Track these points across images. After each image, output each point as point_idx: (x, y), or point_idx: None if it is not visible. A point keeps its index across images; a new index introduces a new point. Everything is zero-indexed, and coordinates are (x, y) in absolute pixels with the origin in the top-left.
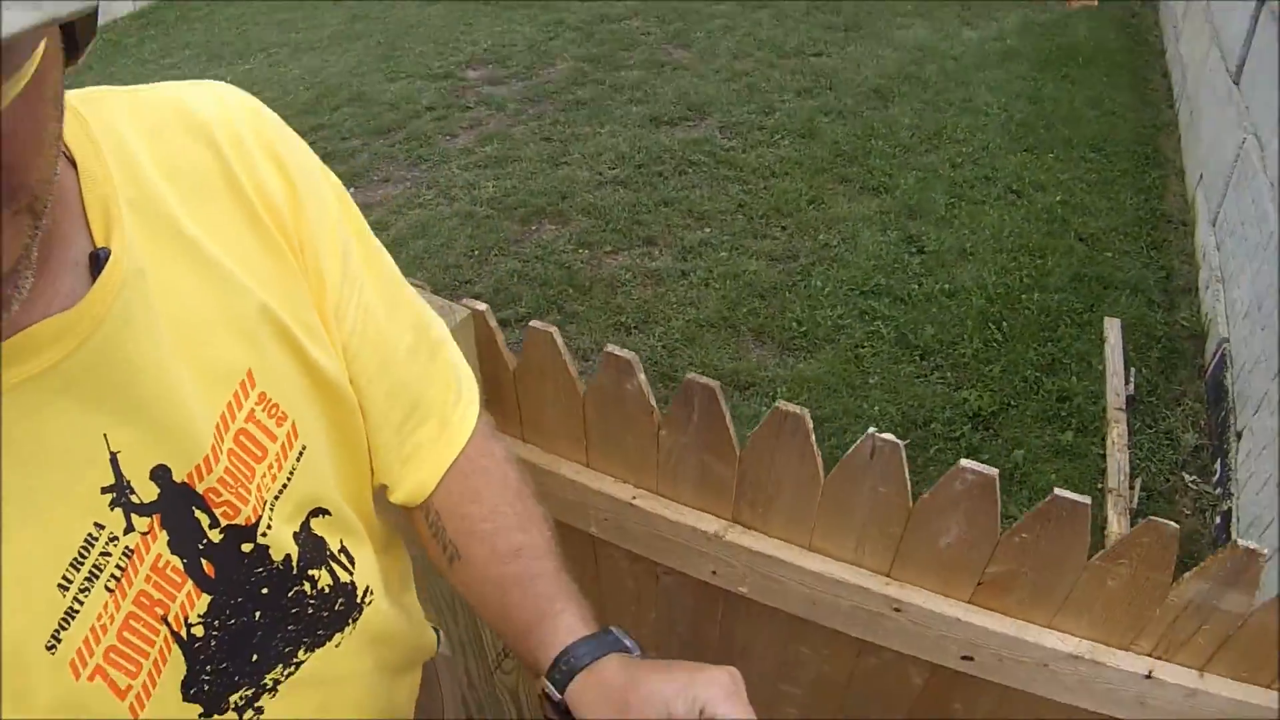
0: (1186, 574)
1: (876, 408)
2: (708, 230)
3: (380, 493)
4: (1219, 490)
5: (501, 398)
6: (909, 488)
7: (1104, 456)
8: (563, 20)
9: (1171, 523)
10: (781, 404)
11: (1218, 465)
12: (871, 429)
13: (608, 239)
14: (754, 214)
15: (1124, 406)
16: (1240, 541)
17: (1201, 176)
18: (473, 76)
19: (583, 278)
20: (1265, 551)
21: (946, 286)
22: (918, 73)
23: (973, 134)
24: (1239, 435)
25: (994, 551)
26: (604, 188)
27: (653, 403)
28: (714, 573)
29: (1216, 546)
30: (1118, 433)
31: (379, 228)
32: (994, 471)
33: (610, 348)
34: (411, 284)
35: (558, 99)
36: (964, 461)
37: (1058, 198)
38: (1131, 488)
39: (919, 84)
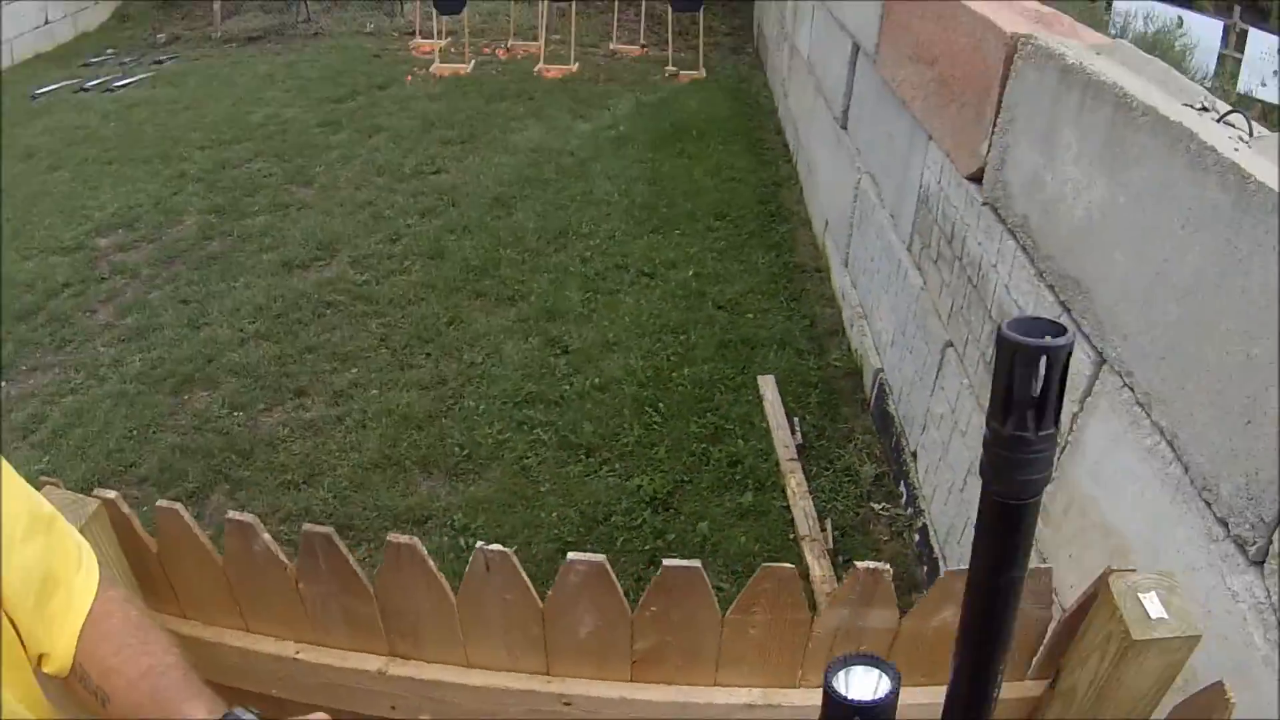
0: (822, 605)
1: (554, 513)
2: (355, 370)
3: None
4: (909, 510)
5: (152, 579)
6: (533, 589)
7: (788, 508)
8: (185, 173)
9: (787, 564)
10: (392, 537)
11: (902, 487)
12: (479, 543)
13: (259, 397)
14: (397, 346)
15: (795, 456)
16: (861, 565)
17: (827, 223)
18: (104, 244)
19: (242, 441)
20: (887, 569)
21: (597, 381)
22: (537, 174)
23: (597, 225)
24: (914, 455)
25: (632, 629)
26: (247, 344)
27: (283, 558)
28: (393, 708)
29: (922, 562)
30: (795, 482)
31: (36, 420)
32: (600, 558)
33: (230, 514)
34: (47, 482)
35: (190, 257)
36: (571, 555)
37: (690, 272)
38: (824, 529)
39: (539, 185)
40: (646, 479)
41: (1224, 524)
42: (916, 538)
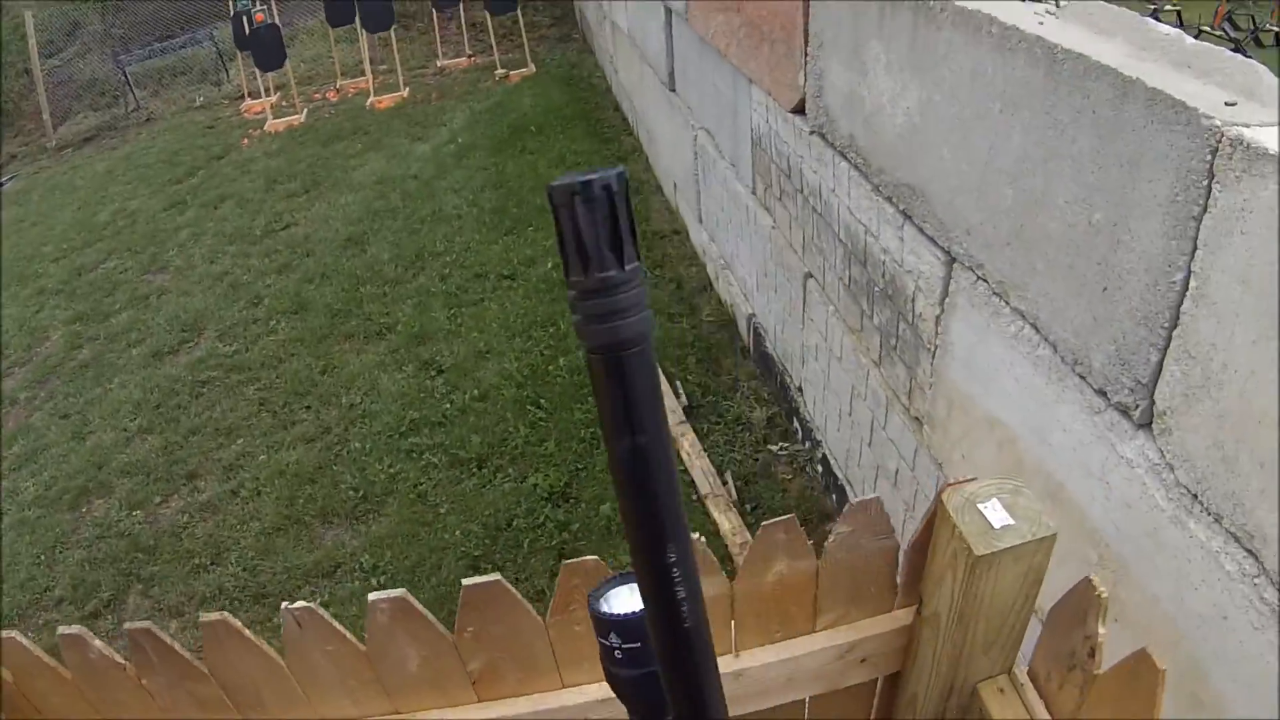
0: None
1: (457, 531)
2: (240, 441)
3: None
4: (807, 444)
5: (16, 708)
6: (348, 635)
7: (685, 470)
8: (43, 288)
9: (590, 558)
10: (205, 616)
11: (795, 423)
12: (284, 604)
13: (154, 490)
14: (276, 407)
15: (684, 419)
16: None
17: (675, 185)
18: None
19: (146, 539)
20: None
21: (475, 393)
22: (384, 206)
23: (451, 241)
24: (800, 389)
25: (459, 653)
26: (133, 442)
27: (120, 660)
28: None
29: (830, 491)
30: (688, 443)
31: None
32: (400, 592)
33: (60, 629)
34: None
35: (62, 370)
36: (372, 596)
37: (549, 265)
38: (725, 483)
39: (388, 215)
40: (541, 476)
41: (1103, 394)
42: (820, 469)
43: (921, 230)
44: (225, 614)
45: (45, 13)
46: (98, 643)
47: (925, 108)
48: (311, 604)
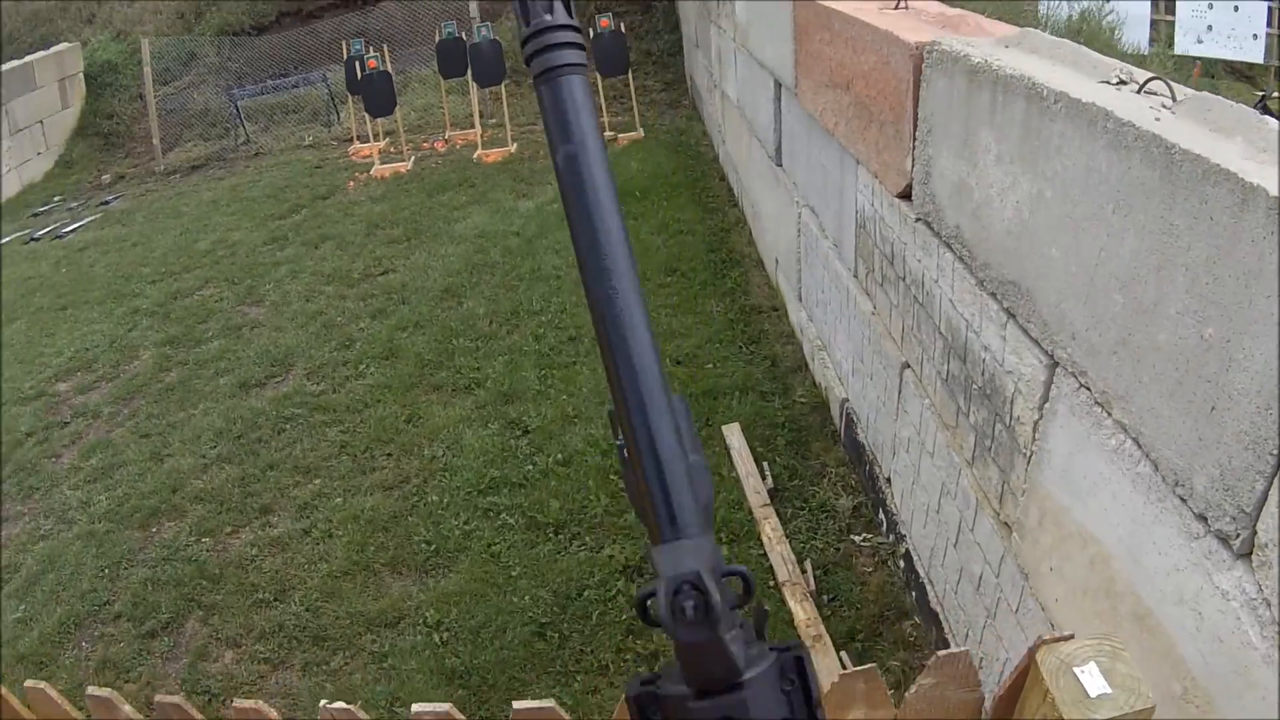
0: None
1: (527, 596)
2: (318, 482)
3: None
4: (890, 537)
5: None
6: None
7: (765, 555)
8: (138, 308)
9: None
10: (158, 697)
11: (880, 515)
12: (322, 701)
13: (226, 520)
14: (357, 451)
15: (768, 501)
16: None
17: (777, 261)
18: (63, 389)
19: (212, 567)
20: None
21: (560, 457)
22: (483, 260)
23: (548, 301)
24: (889, 481)
25: None
26: (210, 469)
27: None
28: None
29: (910, 588)
30: (770, 528)
31: (10, 571)
32: (445, 707)
33: (90, 690)
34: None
35: (148, 391)
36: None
37: None
38: (804, 571)
39: (487, 270)
40: (617, 548)
41: (1203, 519)
42: (901, 564)
43: (1025, 330)
44: (179, 700)
45: (162, 42)
46: (127, 707)
47: (1035, 203)
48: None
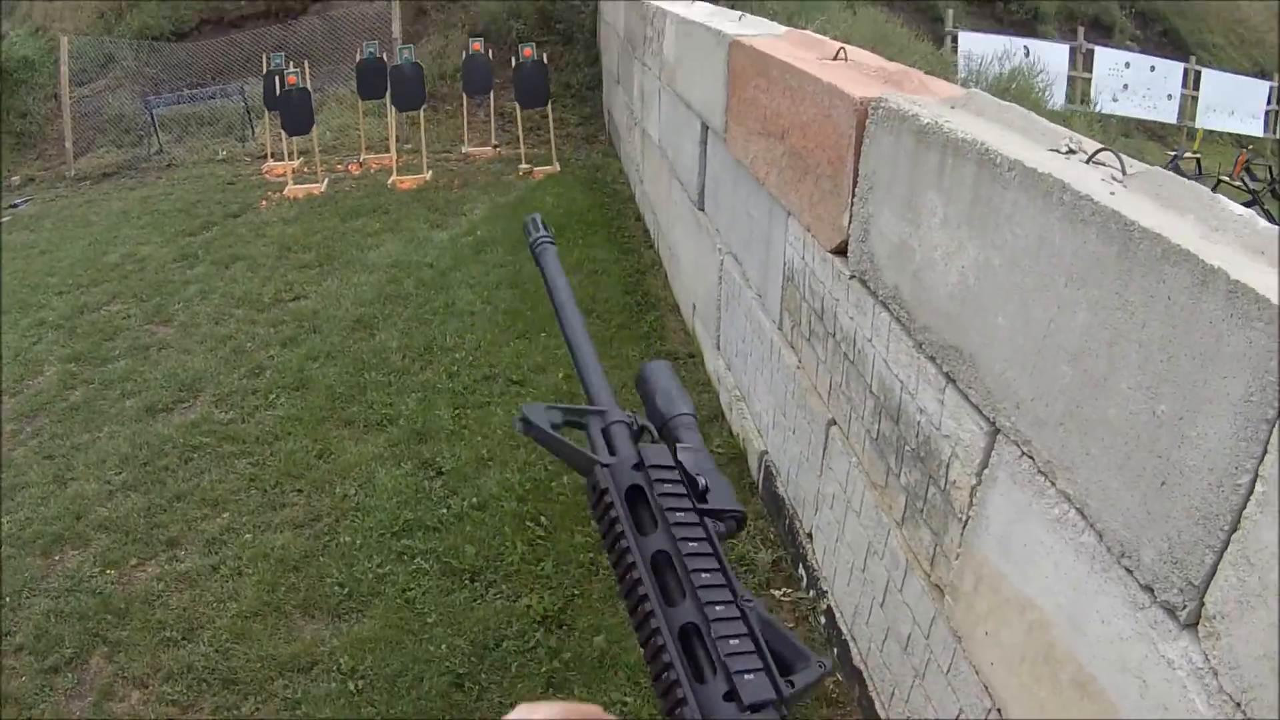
0: None
1: (444, 645)
2: (226, 515)
3: None
4: (811, 593)
5: None
6: None
7: None
8: (44, 320)
9: None
10: None
11: (800, 570)
12: None
13: (131, 551)
14: (267, 485)
15: None
16: None
17: (695, 307)
18: None
19: (117, 600)
20: None
21: (475, 500)
22: (397, 290)
23: (462, 337)
24: (810, 536)
25: None
26: (115, 496)
27: None
28: None
29: (831, 644)
30: None
31: None
32: None
33: None
34: None
35: (52, 409)
36: None
37: (559, 374)
38: None
39: (400, 302)
40: (536, 598)
41: (1149, 590)
42: (822, 619)
43: (965, 396)
44: None
45: (81, 41)
46: None
47: (982, 270)
48: None
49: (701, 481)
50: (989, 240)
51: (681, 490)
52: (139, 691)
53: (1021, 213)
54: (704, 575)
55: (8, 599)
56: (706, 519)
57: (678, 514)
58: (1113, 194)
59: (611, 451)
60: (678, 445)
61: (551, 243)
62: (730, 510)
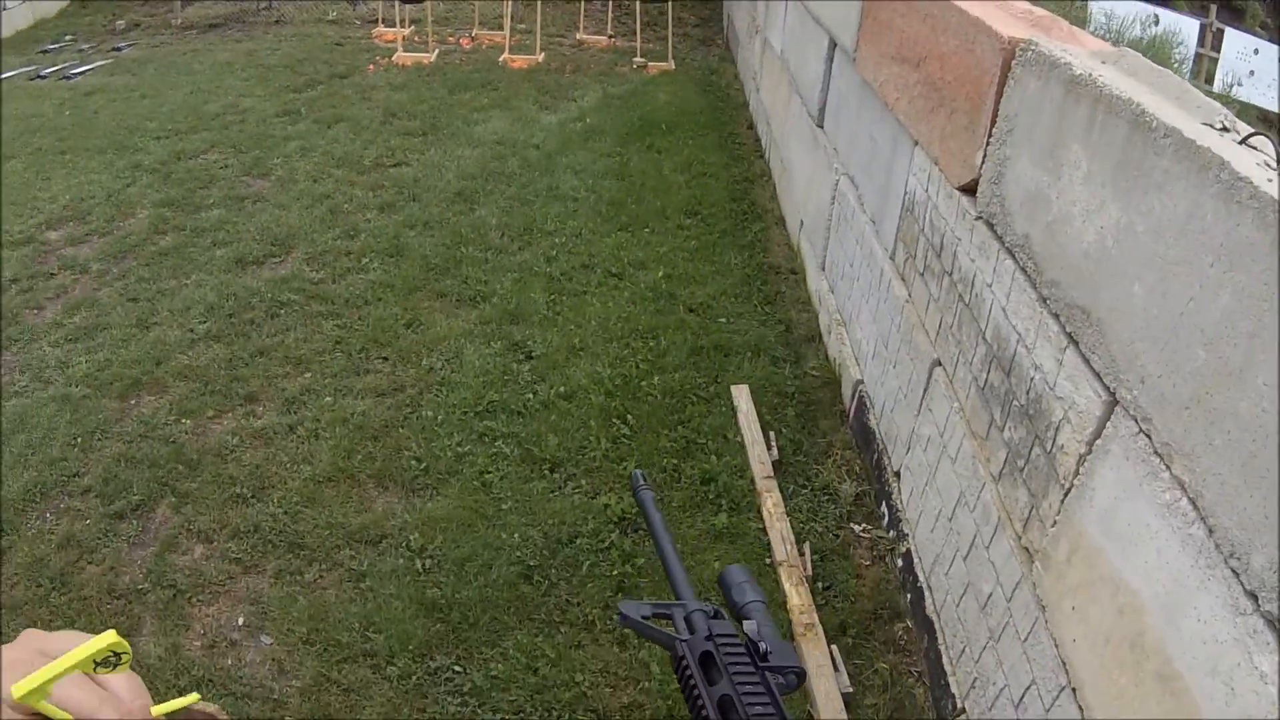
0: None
1: (516, 534)
2: (308, 375)
3: None
4: (891, 533)
5: None
6: None
7: (765, 530)
8: (139, 164)
9: None
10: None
11: (884, 508)
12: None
13: (209, 403)
14: (352, 349)
15: (772, 474)
16: None
17: (802, 223)
18: (53, 238)
19: (190, 451)
20: None
21: (562, 390)
22: (500, 168)
23: (563, 222)
24: (897, 475)
25: None
26: (197, 345)
27: None
28: None
29: (905, 589)
30: (772, 502)
31: None
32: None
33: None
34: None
35: (141, 252)
36: None
37: (660, 273)
38: (802, 554)
39: (502, 180)
40: (614, 497)
41: (1253, 597)
42: (900, 563)
43: (1087, 361)
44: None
45: None
46: None
47: (1123, 233)
48: None
49: (763, 646)
50: (1134, 205)
51: (743, 652)
52: (203, 546)
53: (1173, 183)
54: (756, 707)
55: (79, 439)
56: (766, 673)
57: (739, 669)
58: (1270, 180)
59: (690, 631)
60: (745, 621)
61: (650, 490)
62: (789, 666)
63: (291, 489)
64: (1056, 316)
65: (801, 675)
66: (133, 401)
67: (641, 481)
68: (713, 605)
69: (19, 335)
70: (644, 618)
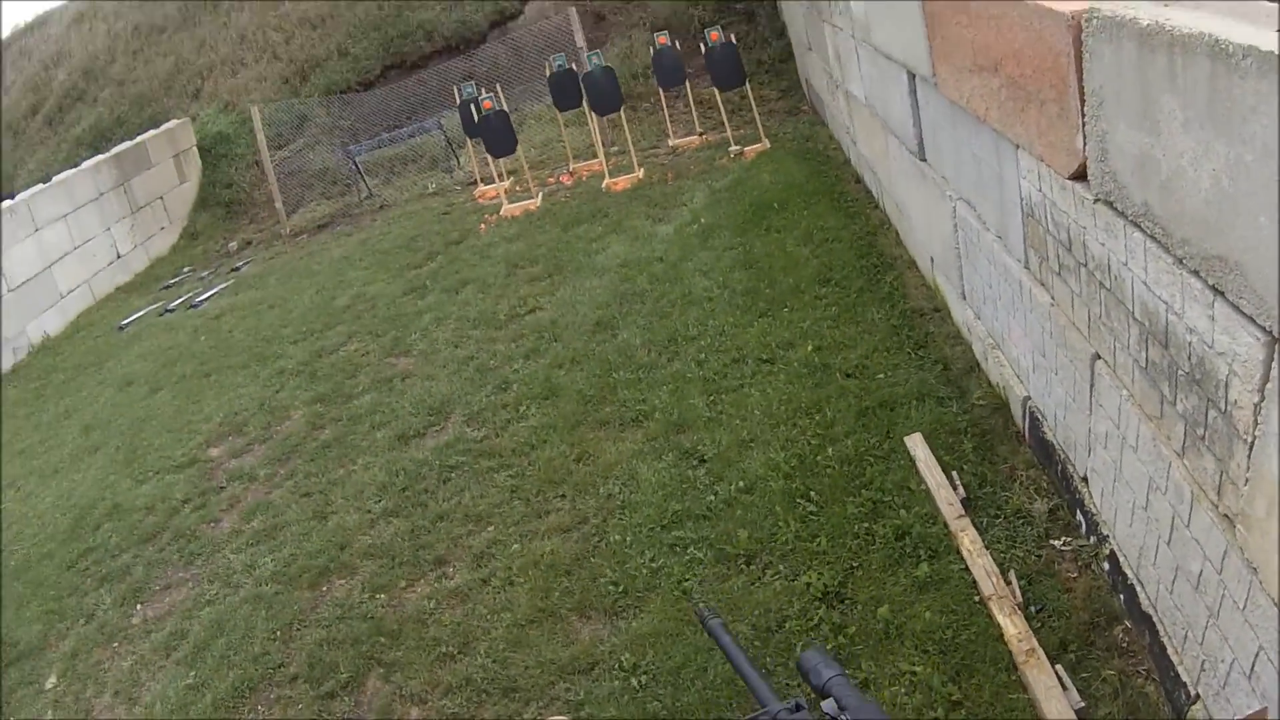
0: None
1: None
2: (491, 529)
3: None
4: (1092, 539)
5: None
6: None
7: (967, 569)
8: (283, 369)
9: None
10: None
11: (1079, 516)
12: None
13: (399, 574)
14: (529, 495)
15: (963, 512)
16: None
17: (933, 260)
18: (216, 454)
19: (390, 623)
20: None
21: (741, 484)
22: (631, 289)
23: (704, 324)
24: (1085, 480)
25: None
26: (377, 524)
27: None
28: None
29: (1117, 591)
30: (969, 539)
31: (177, 638)
32: None
33: None
34: None
35: (304, 449)
36: None
37: (810, 348)
38: (1009, 583)
39: (636, 299)
40: (814, 574)
41: None
42: (1106, 566)
43: (1236, 307)
44: None
45: (272, 107)
46: None
47: (1235, 169)
48: None
49: (844, 719)
50: (1236, 136)
51: None
52: (418, 708)
53: (1265, 102)
54: None
55: (279, 632)
56: None
57: None
58: None
59: None
60: (823, 701)
61: (719, 618)
62: None
63: (496, 637)
64: (1196, 273)
65: None
66: (324, 589)
67: (708, 613)
68: (794, 699)
69: (200, 550)
70: None
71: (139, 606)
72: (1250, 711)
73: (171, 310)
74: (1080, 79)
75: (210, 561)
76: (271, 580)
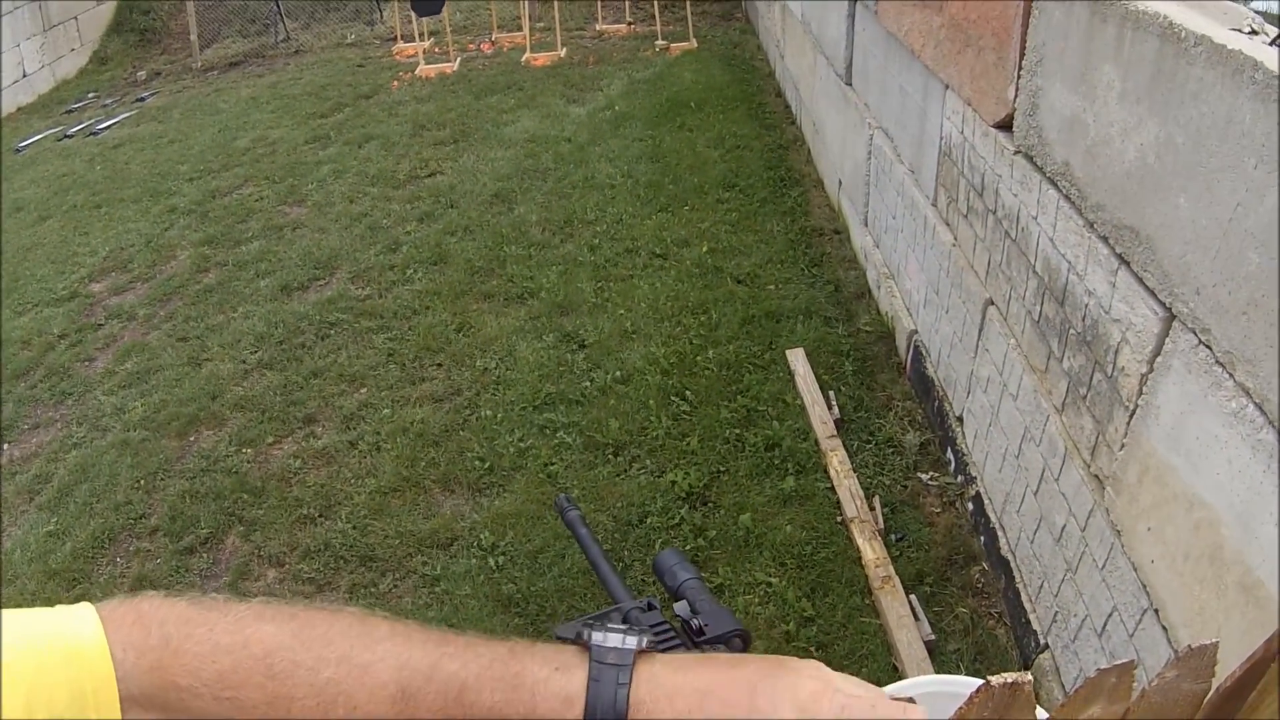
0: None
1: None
2: (364, 391)
3: None
4: (959, 478)
5: None
6: None
7: (833, 488)
8: (175, 207)
9: None
10: None
11: (949, 454)
12: None
13: (268, 430)
14: (405, 360)
15: (835, 432)
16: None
17: (840, 182)
18: (98, 290)
19: (253, 479)
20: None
21: (618, 374)
22: (535, 165)
23: (603, 210)
24: (960, 419)
25: None
26: (250, 375)
27: None
28: None
29: (978, 532)
30: (838, 460)
31: (41, 481)
32: None
33: None
34: None
35: (185, 292)
36: None
37: (704, 248)
38: (872, 509)
39: (538, 176)
40: (680, 473)
41: None
42: (970, 506)
43: (1140, 280)
44: None
45: None
46: None
47: (1163, 148)
48: None
49: (696, 622)
50: (1171, 117)
51: (672, 636)
52: (275, 570)
53: (1208, 90)
54: None
55: (143, 481)
56: (704, 647)
57: (676, 652)
58: None
59: None
60: (675, 604)
61: (577, 510)
62: (727, 633)
63: (358, 504)
64: (1105, 240)
65: (745, 637)
66: (192, 439)
67: (567, 504)
68: (647, 598)
69: (72, 389)
70: (577, 635)
71: (5, 446)
72: (1118, 661)
73: (70, 136)
74: (1024, 33)
75: (81, 402)
76: (140, 426)
